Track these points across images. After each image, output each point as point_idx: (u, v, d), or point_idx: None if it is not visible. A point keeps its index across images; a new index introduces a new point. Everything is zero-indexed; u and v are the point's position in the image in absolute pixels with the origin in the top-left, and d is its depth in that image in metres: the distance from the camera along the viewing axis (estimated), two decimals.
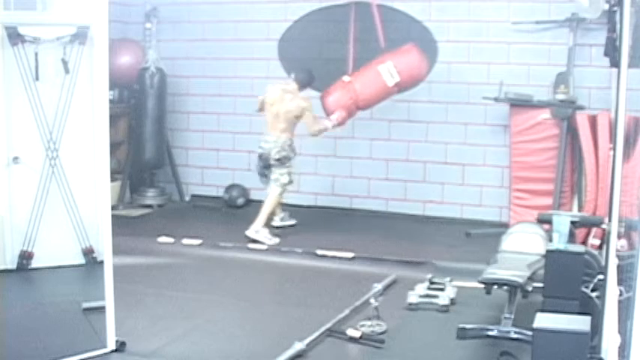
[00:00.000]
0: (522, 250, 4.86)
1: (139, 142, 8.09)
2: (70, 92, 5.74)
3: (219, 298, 5.33)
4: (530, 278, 4.44)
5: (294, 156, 6.96)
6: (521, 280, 4.35)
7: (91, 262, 5.77)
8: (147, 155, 8.09)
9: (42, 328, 4.59)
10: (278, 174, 6.87)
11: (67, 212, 5.78)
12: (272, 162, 6.86)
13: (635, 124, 4.18)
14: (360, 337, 4.49)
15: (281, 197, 6.99)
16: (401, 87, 7.00)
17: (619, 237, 3.71)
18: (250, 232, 6.76)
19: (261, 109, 7.03)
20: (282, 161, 6.86)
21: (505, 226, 6.39)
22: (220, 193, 8.27)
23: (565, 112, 6.66)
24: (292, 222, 7.30)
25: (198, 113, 8.46)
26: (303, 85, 6.97)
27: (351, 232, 7.09)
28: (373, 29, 7.32)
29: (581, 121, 6.56)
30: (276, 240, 6.76)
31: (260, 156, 6.95)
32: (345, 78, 7.02)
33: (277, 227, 7.15)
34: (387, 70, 6.83)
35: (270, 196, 6.90)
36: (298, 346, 4.28)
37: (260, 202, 8.10)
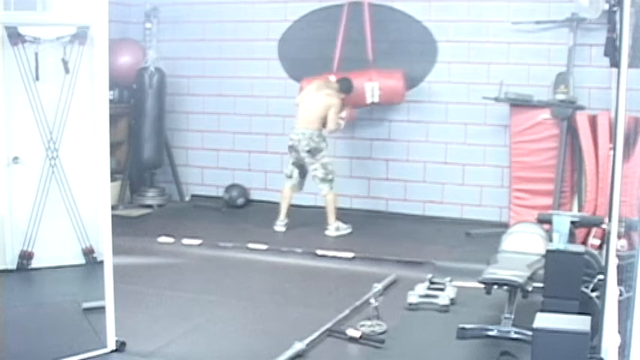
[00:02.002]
0: (522, 250, 4.85)
1: (138, 142, 8.09)
2: (70, 92, 5.74)
3: (219, 298, 5.33)
4: (530, 278, 4.44)
5: (326, 146, 7.08)
6: (521, 280, 4.34)
7: (91, 262, 5.76)
8: (145, 155, 8.09)
9: (42, 328, 4.59)
10: (313, 170, 7.06)
11: (67, 212, 5.77)
12: (303, 155, 7.02)
13: (635, 124, 4.19)
14: (360, 337, 4.49)
15: (333, 191, 7.11)
16: (375, 105, 7.37)
17: (619, 237, 3.71)
18: (331, 232, 7.03)
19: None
20: (312, 153, 7.00)
21: (505, 226, 6.39)
22: (220, 193, 8.27)
23: (565, 112, 6.66)
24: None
25: (198, 113, 8.46)
26: (342, 91, 7.13)
27: (351, 232, 7.10)
28: (373, 29, 7.36)
29: (581, 121, 6.56)
30: (350, 227, 7.09)
31: (290, 148, 7.13)
32: (331, 77, 7.31)
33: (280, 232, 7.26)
34: (371, 89, 7.17)
35: (325, 197, 7.09)
36: (298, 346, 4.28)
37: (260, 203, 8.15)
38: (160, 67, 8.00)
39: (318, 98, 7.02)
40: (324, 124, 7.02)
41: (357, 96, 7.25)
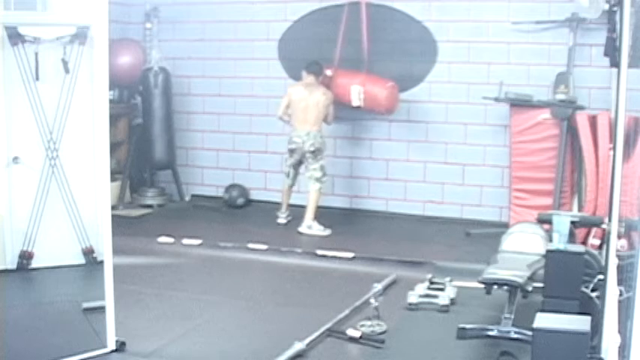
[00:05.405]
0: (522, 250, 4.86)
1: (148, 143, 8.08)
2: (70, 92, 5.74)
3: (219, 298, 5.33)
4: (530, 278, 4.44)
5: (325, 148, 7.22)
6: (521, 280, 4.35)
7: (91, 262, 5.76)
8: (157, 156, 8.09)
9: (42, 328, 4.59)
10: (312, 170, 7.15)
11: (67, 212, 5.77)
12: (307, 155, 7.11)
13: (635, 124, 4.19)
14: (360, 337, 4.49)
15: (321, 191, 7.20)
16: (362, 109, 7.32)
17: (619, 237, 3.71)
18: (303, 229, 7.04)
19: (285, 112, 7.24)
20: (315, 154, 7.11)
21: (505, 226, 6.39)
22: (220, 193, 8.27)
23: (565, 112, 6.66)
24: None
25: (199, 113, 8.46)
26: (318, 75, 7.19)
27: (351, 232, 7.10)
28: (372, 29, 7.36)
29: (581, 121, 6.56)
30: (329, 231, 7.01)
31: (292, 151, 7.20)
32: (328, 72, 7.36)
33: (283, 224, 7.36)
34: (358, 93, 7.13)
35: (311, 192, 7.14)
36: (298, 346, 4.28)
37: (260, 203, 8.14)
38: (164, 66, 8.00)
39: (316, 98, 7.09)
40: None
41: (343, 96, 7.25)
